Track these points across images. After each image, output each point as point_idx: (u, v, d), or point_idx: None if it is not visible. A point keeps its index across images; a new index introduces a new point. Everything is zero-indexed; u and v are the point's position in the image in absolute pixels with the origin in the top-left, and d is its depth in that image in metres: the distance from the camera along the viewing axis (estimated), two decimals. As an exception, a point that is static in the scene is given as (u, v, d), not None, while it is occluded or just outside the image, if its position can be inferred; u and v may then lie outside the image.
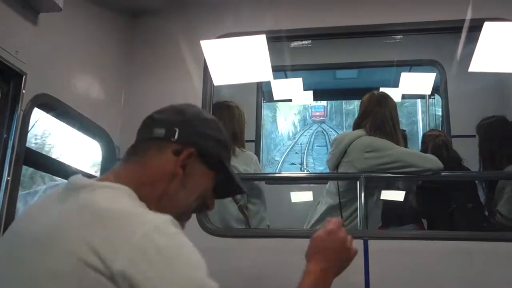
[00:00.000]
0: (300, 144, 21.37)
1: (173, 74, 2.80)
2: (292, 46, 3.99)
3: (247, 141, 4.19)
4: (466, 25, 2.51)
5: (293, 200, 4.15)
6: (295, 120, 25.96)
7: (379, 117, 2.83)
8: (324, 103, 23.96)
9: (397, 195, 3.37)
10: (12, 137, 1.93)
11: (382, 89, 4.62)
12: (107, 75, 2.75)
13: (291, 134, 23.72)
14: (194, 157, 1.15)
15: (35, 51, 2.09)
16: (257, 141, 4.35)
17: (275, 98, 4.47)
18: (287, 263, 2.49)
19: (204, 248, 0.99)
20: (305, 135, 23.61)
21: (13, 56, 1.95)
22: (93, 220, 0.93)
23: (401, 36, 3.90)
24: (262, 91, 4.51)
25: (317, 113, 26.67)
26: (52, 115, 2.29)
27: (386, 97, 2.95)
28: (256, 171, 2.90)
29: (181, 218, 1.17)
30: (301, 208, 3.79)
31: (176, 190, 1.14)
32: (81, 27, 2.50)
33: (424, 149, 3.31)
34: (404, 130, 3.85)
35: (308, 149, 20.06)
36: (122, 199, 1.02)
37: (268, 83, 4.40)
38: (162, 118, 1.19)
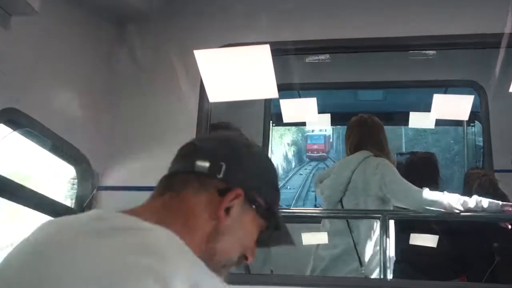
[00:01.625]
0: (290, 188, 16.62)
1: (165, 89, 2.82)
2: (307, 61, 4.02)
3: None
4: (505, 39, 2.51)
5: (304, 243, 4.10)
6: (288, 153, 21.48)
7: (378, 138, 3.14)
8: (328, 130, 19.64)
9: (430, 240, 3.34)
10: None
11: (412, 114, 4.65)
12: (89, 90, 2.77)
13: (281, 172, 18.66)
14: (242, 200, 1.11)
15: (5, 59, 2.11)
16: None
17: (284, 121, 4.48)
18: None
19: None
20: (301, 174, 19.10)
21: (-21, 64, 1.99)
22: None
23: (434, 52, 3.90)
24: (271, 113, 4.54)
25: (315, 146, 21.05)
26: (20, 133, 2.31)
27: (373, 119, 3.26)
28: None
29: (220, 272, 1.14)
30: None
31: (216, 238, 1.11)
32: (60, 34, 2.51)
33: (468, 189, 3.30)
34: (433, 153, 3.87)
35: (298, 197, 15.52)
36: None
37: (277, 104, 4.41)
38: (206, 148, 1.16)
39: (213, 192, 1.10)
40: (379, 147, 3.12)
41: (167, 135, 2.71)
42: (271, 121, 4.61)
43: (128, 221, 1.00)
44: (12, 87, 2.15)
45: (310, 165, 20.55)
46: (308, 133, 20.32)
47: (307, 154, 21.24)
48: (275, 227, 1.21)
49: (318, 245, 3.11)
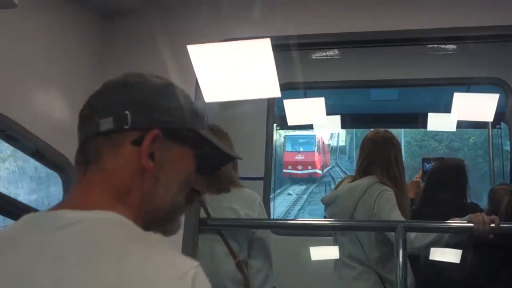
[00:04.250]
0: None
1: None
2: (313, 57, 4.03)
3: (255, 178, 4.19)
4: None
5: (313, 258, 4.12)
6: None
7: (385, 160, 3.05)
8: (328, 131, 13.62)
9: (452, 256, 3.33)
10: None
11: (430, 115, 4.66)
12: (75, 90, 2.79)
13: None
14: (161, 139, 1.12)
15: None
16: (266, 178, 4.34)
17: (289, 124, 4.48)
18: None
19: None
20: (291, 193, 13.92)
21: (-47, 62, 2.01)
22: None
23: (455, 47, 3.91)
24: (274, 115, 4.52)
25: (298, 157, 15.46)
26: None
27: (391, 137, 3.18)
28: (260, 216, 2.89)
29: (171, 219, 1.17)
30: (322, 267, 3.75)
31: (152, 188, 1.12)
32: (42, 29, 2.55)
33: (495, 207, 3.30)
34: (462, 160, 3.87)
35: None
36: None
37: (282, 106, 4.41)
38: (104, 103, 1.14)
39: (129, 146, 1.10)
40: (387, 172, 3.05)
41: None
42: (275, 124, 4.60)
43: (72, 215, 1.02)
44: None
45: (308, 182, 14.38)
46: (287, 134, 14.21)
47: (285, 171, 15.15)
48: (211, 150, 1.21)
49: (336, 265, 3.13)
